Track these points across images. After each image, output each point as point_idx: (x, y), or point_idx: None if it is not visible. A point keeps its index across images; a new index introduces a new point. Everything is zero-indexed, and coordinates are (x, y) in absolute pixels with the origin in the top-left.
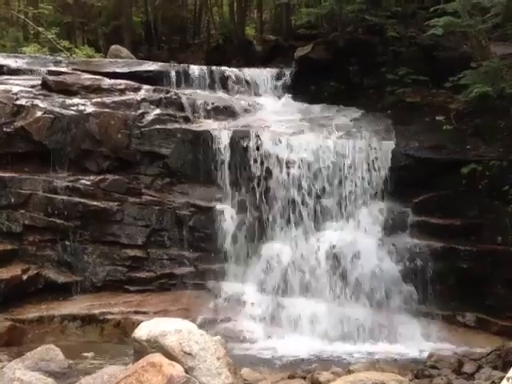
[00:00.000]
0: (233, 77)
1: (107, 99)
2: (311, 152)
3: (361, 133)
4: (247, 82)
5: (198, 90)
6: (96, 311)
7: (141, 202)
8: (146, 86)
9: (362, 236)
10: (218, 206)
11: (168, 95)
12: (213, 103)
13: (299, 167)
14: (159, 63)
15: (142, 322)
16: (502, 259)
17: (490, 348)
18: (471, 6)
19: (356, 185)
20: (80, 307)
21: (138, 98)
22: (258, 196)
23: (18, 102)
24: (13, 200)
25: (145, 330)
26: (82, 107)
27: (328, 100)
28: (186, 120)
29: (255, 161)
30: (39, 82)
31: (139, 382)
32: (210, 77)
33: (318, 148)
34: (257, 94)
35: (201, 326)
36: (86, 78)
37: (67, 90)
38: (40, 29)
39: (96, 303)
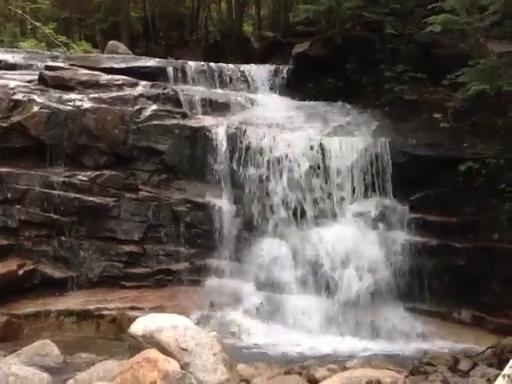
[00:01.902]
0: (230, 73)
1: (104, 95)
2: (308, 148)
3: (358, 130)
4: (245, 78)
5: (196, 87)
6: (92, 307)
7: (137, 198)
8: (143, 82)
9: (357, 232)
10: (215, 203)
11: (165, 91)
12: (210, 99)
13: (295, 163)
14: (157, 59)
15: (137, 317)
16: (499, 256)
17: (486, 345)
18: (469, 3)
19: (352, 181)
20: (76, 303)
21: (136, 94)
22: (254, 192)
23: (14, 97)
24: (9, 195)
25: (141, 325)
26: (78, 102)
27: (326, 97)
28: (184, 116)
29: (252, 157)
30: (36, 77)
31: (135, 377)
32: (207, 73)
33: (315, 144)
34: (254, 91)
35: (197, 322)
36: (83, 74)
37: (64, 86)
38: (37, 24)
39: (92, 299)
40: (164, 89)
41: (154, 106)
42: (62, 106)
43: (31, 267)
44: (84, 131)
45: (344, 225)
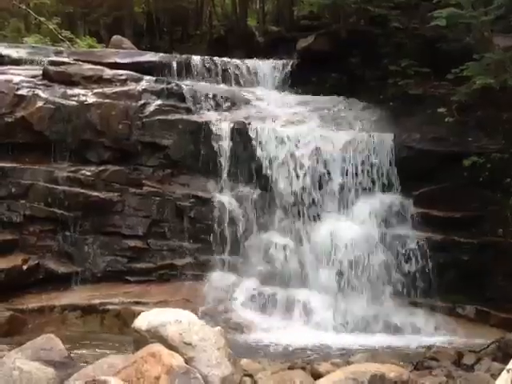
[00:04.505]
0: (234, 68)
1: (108, 90)
2: (312, 143)
3: (362, 124)
4: (249, 73)
5: (200, 81)
6: (96, 301)
7: (141, 193)
8: (147, 77)
9: (361, 228)
10: (219, 198)
11: (169, 86)
12: (214, 94)
13: (299, 158)
14: (161, 54)
15: (142, 312)
16: (503, 251)
17: (490, 340)
18: None
19: (357, 176)
20: (80, 297)
21: (140, 89)
22: (257, 187)
23: (19, 92)
24: (13, 190)
25: (145, 320)
26: (83, 98)
27: (330, 91)
28: (188, 111)
29: (255, 152)
30: (40, 72)
31: (139, 371)
32: (211, 68)
33: (320, 139)
34: (258, 86)
35: (201, 317)
36: (88, 69)
37: (68, 81)
38: (42, 19)
39: (96, 294)
40: (168, 84)
41: (158, 101)
42: (66, 101)
43: (35, 262)
44: (88, 126)
45: (348, 220)
